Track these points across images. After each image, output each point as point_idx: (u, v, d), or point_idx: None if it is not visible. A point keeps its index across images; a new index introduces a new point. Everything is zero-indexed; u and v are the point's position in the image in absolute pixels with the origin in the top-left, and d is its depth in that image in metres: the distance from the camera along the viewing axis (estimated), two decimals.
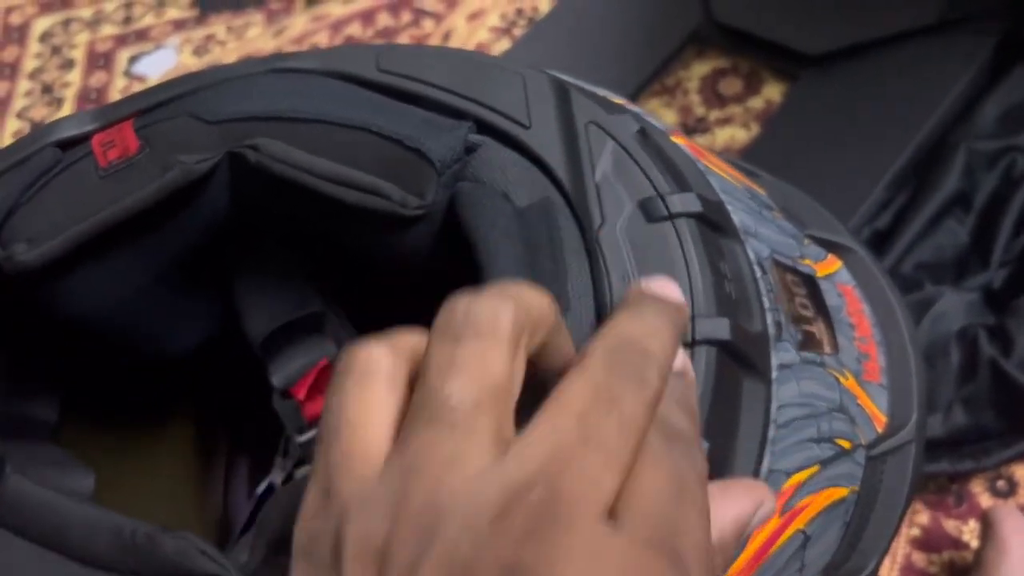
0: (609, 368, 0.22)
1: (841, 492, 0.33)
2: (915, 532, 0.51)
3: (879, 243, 0.60)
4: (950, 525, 0.51)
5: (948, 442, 0.51)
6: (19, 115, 0.80)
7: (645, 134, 0.32)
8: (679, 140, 0.35)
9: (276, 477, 0.37)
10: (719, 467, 0.28)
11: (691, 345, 0.28)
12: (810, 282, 0.36)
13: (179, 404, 0.49)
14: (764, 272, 0.33)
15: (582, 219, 0.30)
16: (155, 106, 0.35)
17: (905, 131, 0.64)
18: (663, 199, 0.30)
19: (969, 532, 0.51)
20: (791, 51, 0.72)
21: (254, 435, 0.51)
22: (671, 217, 0.30)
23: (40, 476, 0.32)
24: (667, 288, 0.26)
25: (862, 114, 0.68)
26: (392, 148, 0.32)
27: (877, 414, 0.36)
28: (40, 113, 0.80)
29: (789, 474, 0.31)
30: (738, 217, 0.33)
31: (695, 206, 0.30)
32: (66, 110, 0.79)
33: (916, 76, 0.67)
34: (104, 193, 0.33)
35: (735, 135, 0.70)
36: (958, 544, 0.51)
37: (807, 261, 0.37)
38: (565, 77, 0.34)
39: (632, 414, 0.21)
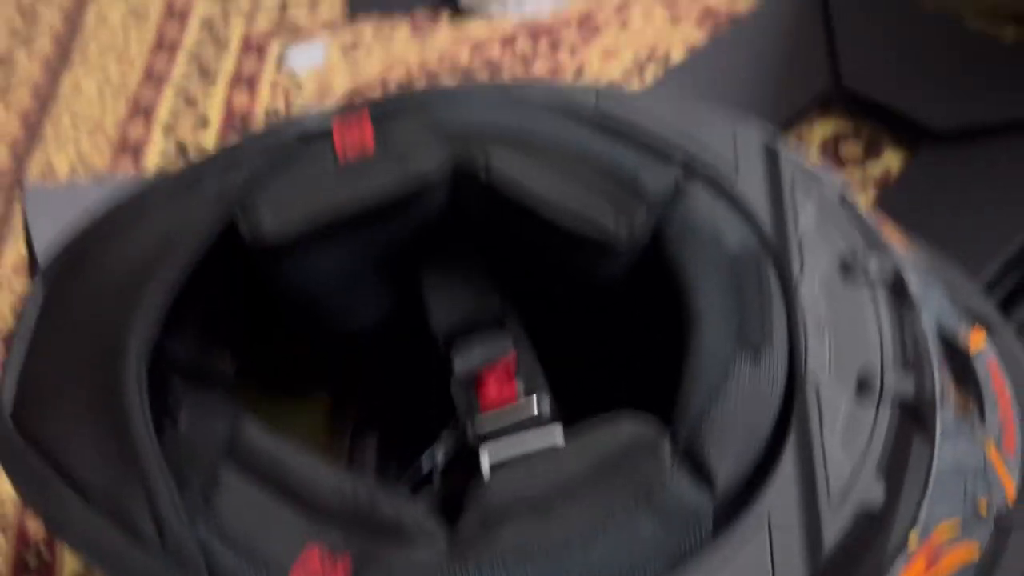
0: None
1: (973, 554, 0.36)
2: None
3: None
4: None
5: None
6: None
7: (844, 198, 0.35)
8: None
9: (438, 454, 0.41)
10: (886, 516, 0.31)
11: (879, 397, 0.30)
12: (964, 353, 0.39)
13: (323, 378, 0.52)
14: (932, 339, 0.35)
15: (782, 269, 0.33)
16: (389, 113, 0.38)
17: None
18: (861, 260, 0.33)
19: None
20: (915, 123, 0.74)
21: (383, 415, 0.55)
22: (867, 278, 0.32)
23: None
24: None
25: (979, 195, 0.69)
26: (606, 179, 0.36)
27: (1010, 486, 0.39)
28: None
29: (938, 525, 0.33)
30: (914, 286, 0.36)
31: (889, 270, 0.33)
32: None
33: None
34: (341, 186, 0.37)
35: None
36: None
37: (962, 333, 0.39)
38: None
39: None
